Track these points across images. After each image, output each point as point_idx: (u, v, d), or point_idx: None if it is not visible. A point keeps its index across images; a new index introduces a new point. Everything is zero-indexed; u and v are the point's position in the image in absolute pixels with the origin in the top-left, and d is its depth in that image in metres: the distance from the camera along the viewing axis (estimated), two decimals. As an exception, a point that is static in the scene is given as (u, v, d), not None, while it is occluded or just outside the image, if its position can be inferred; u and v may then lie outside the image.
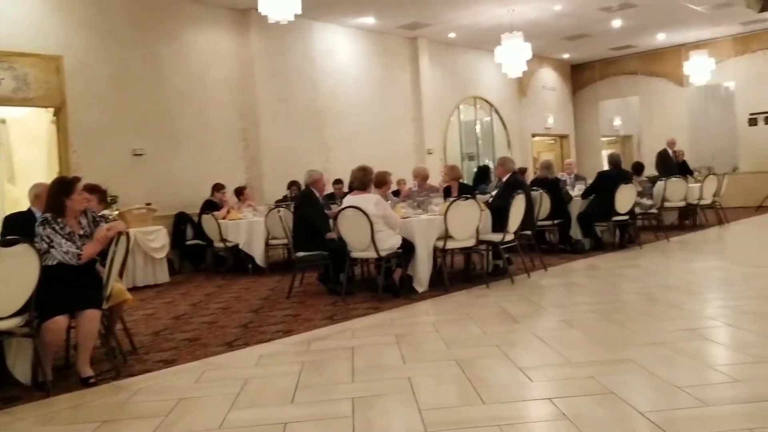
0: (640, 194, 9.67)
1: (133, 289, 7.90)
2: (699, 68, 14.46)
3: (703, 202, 11.51)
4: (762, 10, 13.75)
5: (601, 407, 3.08)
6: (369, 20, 12.42)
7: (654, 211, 10.65)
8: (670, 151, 12.91)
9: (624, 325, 4.73)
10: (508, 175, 7.80)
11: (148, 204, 9.05)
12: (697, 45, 15.62)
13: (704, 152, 16.63)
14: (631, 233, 9.68)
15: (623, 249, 9.18)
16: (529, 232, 7.73)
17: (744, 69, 15.92)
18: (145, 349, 4.97)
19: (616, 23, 13.93)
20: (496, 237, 7.00)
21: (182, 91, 10.30)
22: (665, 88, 17.21)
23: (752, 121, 14.44)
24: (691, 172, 12.79)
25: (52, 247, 4.15)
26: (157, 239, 8.63)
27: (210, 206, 9.48)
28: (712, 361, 3.75)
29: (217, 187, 9.79)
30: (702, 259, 8.01)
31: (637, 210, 9.75)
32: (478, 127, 16.00)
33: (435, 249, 6.75)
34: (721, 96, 16.50)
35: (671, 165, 12.56)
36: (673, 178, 11.19)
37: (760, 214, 13.28)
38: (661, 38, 15.90)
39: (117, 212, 8.13)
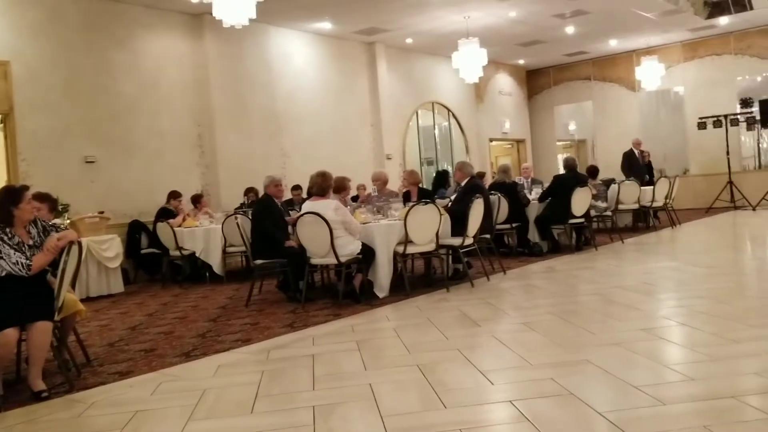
0: (595, 197, 9.84)
1: (86, 300, 7.72)
2: (650, 73, 14.81)
3: (655, 205, 11.78)
4: (709, 16, 14.21)
5: (561, 408, 3.10)
6: (326, 25, 12.39)
7: (609, 213, 10.84)
8: (636, 152, 12.95)
9: (582, 326, 4.79)
10: (466, 180, 7.86)
11: (101, 212, 8.85)
12: (648, 51, 16.00)
13: (656, 155, 16.96)
14: (586, 235, 9.86)
15: (580, 251, 9.32)
16: (488, 236, 7.79)
17: (693, 74, 16.37)
18: (100, 361, 4.84)
19: (570, 30, 14.18)
20: (456, 241, 7.03)
21: (135, 97, 10.11)
22: (618, 93, 17.59)
23: (701, 125, 14.82)
24: (652, 174, 12.96)
25: (1, 258, 4.02)
26: (111, 248, 8.44)
27: (165, 214, 9.32)
28: (667, 361, 3.82)
29: (174, 195, 9.63)
30: (656, 260, 8.18)
31: (593, 213, 9.93)
32: (436, 132, 16.09)
33: (395, 254, 6.75)
34: (671, 100, 16.94)
35: (637, 166, 12.63)
36: (627, 181, 11.43)
37: (710, 216, 13.64)
38: (613, 44, 16.25)
39: (68, 221, 7.92)
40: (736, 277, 6.65)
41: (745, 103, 15.45)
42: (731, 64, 15.80)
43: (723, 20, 14.48)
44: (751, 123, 14.57)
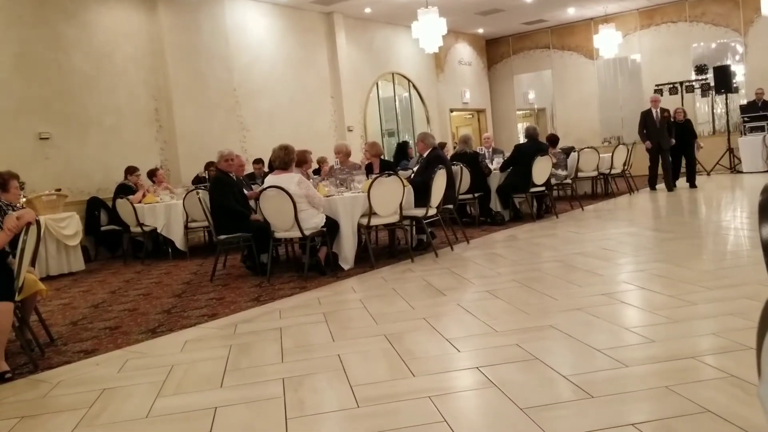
0: (555, 166, 9.96)
1: (46, 279, 7.58)
2: (607, 42, 14.95)
3: (614, 172, 12.00)
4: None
5: (526, 373, 3.18)
6: (283, -5, 12.19)
7: (569, 181, 11.00)
8: (654, 111, 11.94)
9: (545, 292, 4.88)
10: (428, 151, 7.88)
11: (58, 190, 8.66)
12: (606, 19, 16.13)
13: (614, 123, 17.31)
14: (547, 203, 10.00)
15: (541, 219, 9.46)
16: (451, 206, 7.85)
17: (649, 42, 16.59)
18: (64, 340, 4.78)
19: (528, -2, 14.21)
20: (419, 212, 7.07)
21: (89, 72, 9.84)
22: (576, 62, 17.74)
23: (657, 92, 15.05)
24: (682, 136, 12.14)
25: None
26: (70, 226, 8.28)
27: (124, 190, 9.16)
28: (628, 324, 3.92)
29: (130, 170, 9.46)
30: (615, 226, 8.34)
31: (553, 181, 10.06)
32: (397, 103, 16.05)
33: (359, 226, 6.77)
34: (628, 68, 17.16)
35: (654, 128, 11.81)
36: (586, 149, 11.60)
37: (660, 183, 13.90)
38: (572, 12, 16.34)
39: (25, 199, 7.74)
40: (691, 241, 6.83)
41: (700, 69, 15.73)
42: (686, 31, 16.04)
43: (678, -12, 14.65)
44: (705, 89, 14.85)
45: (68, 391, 3.65)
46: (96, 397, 3.45)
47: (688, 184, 12.07)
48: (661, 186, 12.26)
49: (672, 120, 12.02)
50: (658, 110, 11.90)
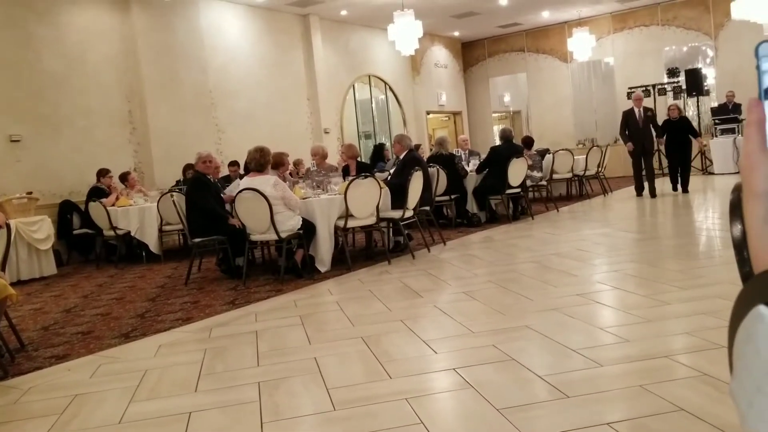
0: (530, 167, 10.04)
1: (17, 284, 7.43)
2: (581, 45, 15.08)
3: (588, 173, 12.11)
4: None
5: (503, 373, 3.18)
6: (259, -3, 12.13)
7: (544, 183, 11.09)
8: (636, 111, 10.98)
9: (521, 293, 4.91)
10: (405, 153, 7.88)
11: (29, 193, 8.51)
12: (579, 22, 16.29)
13: (588, 125, 17.48)
14: (523, 205, 10.07)
15: (517, 220, 9.51)
16: (427, 208, 7.86)
17: (622, 45, 16.78)
18: (35, 346, 4.69)
19: (503, 1, 14.30)
20: (396, 214, 7.07)
21: (61, 73, 9.70)
22: (551, 65, 17.88)
23: (630, 95, 15.21)
24: (694, 134, 11.23)
25: None
26: (41, 229, 8.14)
27: (97, 193, 9.04)
28: (603, 324, 3.95)
29: (102, 173, 9.34)
30: (589, 227, 8.42)
31: (528, 183, 10.13)
32: (373, 105, 16.05)
33: (336, 228, 6.74)
34: (601, 71, 17.34)
35: (635, 128, 10.88)
36: (561, 151, 11.69)
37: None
38: (546, 16, 16.47)
39: (-6, 203, 7.61)
40: (664, 241, 6.91)
41: (672, 72, 15.94)
42: (658, 34, 16.25)
43: (650, -8, 14.85)
44: (677, 92, 15.06)
45: (39, 397, 3.58)
46: (68, 403, 3.39)
47: (681, 188, 11.21)
48: (633, 187, 12.32)
49: (667, 118, 11.24)
50: (641, 109, 11.04)
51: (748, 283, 0.51)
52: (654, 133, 11.07)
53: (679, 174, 11.23)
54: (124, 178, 9.66)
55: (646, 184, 11.13)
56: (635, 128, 10.91)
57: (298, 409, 3.02)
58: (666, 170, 12.00)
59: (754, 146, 0.53)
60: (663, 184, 11.28)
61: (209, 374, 3.66)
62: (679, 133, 11.10)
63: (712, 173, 14.14)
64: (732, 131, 13.85)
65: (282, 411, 3.01)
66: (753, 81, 0.55)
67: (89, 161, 9.73)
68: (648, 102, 14.61)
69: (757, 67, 0.54)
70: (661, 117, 11.91)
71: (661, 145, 11.42)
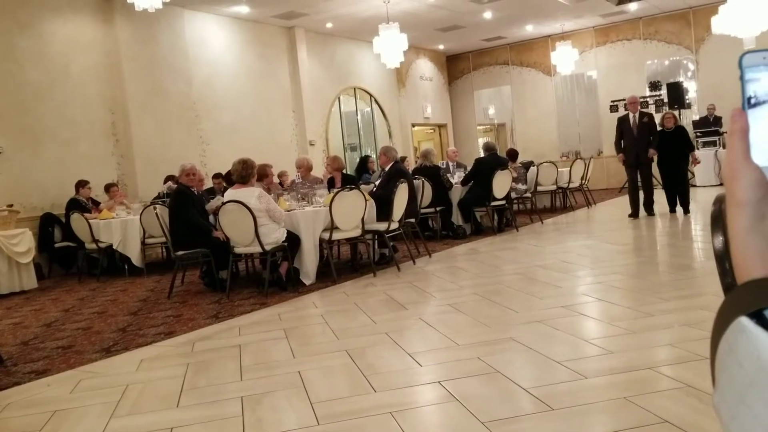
0: (515, 180, 10.07)
1: (-4, 298, 7.35)
2: (564, 58, 15.21)
3: (572, 185, 12.18)
4: (619, 3, 14.72)
5: (488, 386, 3.17)
6: (243, 9, 12.14)
7: (528, 195, 11.13)
8: (632, 116, 9.64)
9: (505, 305, 4.91)
10: (390, 164, 7.89)
11: (10, 206, 8.42)
12: (563, 36, 16.45)
13: (572, 138, 17.60)
14: (508, 217, 10.10)
15: (502, 232, 9.53)
16: (412, 220, 7.86)
17: (605, 59, 16.94)
18: (14, 361, 4.62)
19: (487, 15, 14.40)
20: (381, 226, 7.06)
21: (44, 85, 9.63)
22: (535, 78, 18.02)
23: (613, 108, 15.38)
24: (690, 146, 9.72)
25: None
26: (22, 243, 8.04)
27: (75, 205, 8.95)
28: (587, 336, 3.96)
29: (81, 184, 9.26)
30: (573, 239, 8.45)
31: (513, 195, 10.17)
32: (359, 118, 16.08)
33: (321, 240, 6.72)
34: (585, 84, 17.49)
35: (630, 136, 9.61)
36: (545, 163, 11.76)
37: (623, 195, 14.16)
38: (530, 29, 16.61)
39: (-26, 216, 7.51)
40: (648, 253, 6.95)
41: (654, 86, 16.11)
42: (640, 48, 16.43)
43: (632, 6, 15.03)
44: (659, 105, 15.21)
45: (18, 413, 3.52)
46: (47, 419, 3.33)
47: (682, 209, 9.73)
48: (616, 199, 12.40)
49: (660, 128, 9.68)
50: (637, 115, 9.62)
51: (730, 294, 0.51)
52: (655, 143, 9.59)
53: (678, 193, 9.73)
54: (107, 189, 9.59)
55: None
56: (629, 137, 9.61)
57: (282, 424, 2.98)
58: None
59: (738, 155, 0.53)
60: (657, 203, 10.10)
61: (192, 389, 3.61)
62: (675, 146, 9.54)
63: (694, 185, 14.27)
64: (713, 144, 14.01)
65: (265, 426, 2.97)
66: (734, 94, 0.56)
67: (72, 173, 9.64)
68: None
69: (741, 78, 0.54)
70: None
71: (652, 156, 9.72)
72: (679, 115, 15.03)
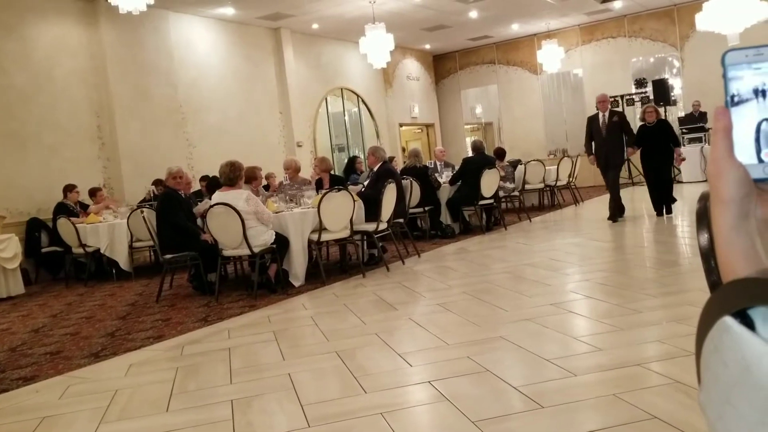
0: (503, 178, 10.10)
1: (-18, 305, 7.29)
2: (550, 57, 15.29)
3: (559, 183, 12.22)
4: (604, 1, 14.78)
5: (478, 385, 3.17)
6: (228, 11, 12.10)
7: (516, 193, 11.16)
8: (601, 115, 9.12)
9: (495, 304, 4.91)
10: (379, 165, 7.89)
11: (-5, 211, 8.36)
12: (548, 35, 16.51)
13: (559, 136, 17.67)
14: (496, 216, 10.12)
15: (490, 231, 9.55)
16: (401, 220, 7.86)
17: (590, 56, 17.02)
18: (1, 367, 4.58)
19: (473, 14, 14.43)
20: (370, 226, 7.06)
21: (28, 88, 9.56)
22: (521, 76, 18.07)
23: (600, 103, 15.40)
24: (674, 141, 8.98)
25: None
26: (8, 248, 7.97)
27: (62, 210, 8.88)
28: (576, 333, 3.97)
29: (69, 188, 9.20)
30: (561, 236, 8.48)
31: (501, 193, 10.19)
32: (346, 118, 16.06)
33: (310, 242, 6.71)
34: (571, 82, 17.57)
35: (599, 137, 9.09)
36: (532, 162, 11.79)
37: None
38: (516, 28, 16.66)
39: (-41, 222, 7.44)
40: (634, 250, 6.98)
41: (640, 83, 16.19)
42: (625, 46, 16.52)
43: (617, 4, 15.12)
44: (645, 102, 15.27)
45: (6, 420, 3.49)
46: (36, 426, 3.30)
47: (664, 208, 9.09)
48: (604, 197, 12.36)
49: (642, 124, 9.14)
50: (606, 114, 9.09)
51: (714, 293, 0.51)
52: (625, 142, 9.17)
53: (661, 192, 9.10)
54: (93, 194, 9.51)
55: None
56: (599, 137, 9.05)
57: (272, 427, 2.97)
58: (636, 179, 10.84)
59: (722, 153, 0.53)
60: (640, 201, 10.30)
61: (181, 393, 3.59)
62: (658, 141, 8.83)
63: (681, 182, 14.36)
64: (699, 140, 14.10)
65: (256, 429, 2.96)
66: (718, 90, 0.56)
67: (58, 178, 9.57)
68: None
69: (724, 75, 0.54)
70: (634, 125, 10.70)
71: (631, 156, 9.47)
72: (665, 112, 15.13)
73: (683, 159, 9.76)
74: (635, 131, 9.22)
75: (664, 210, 9.10)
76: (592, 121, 9.22)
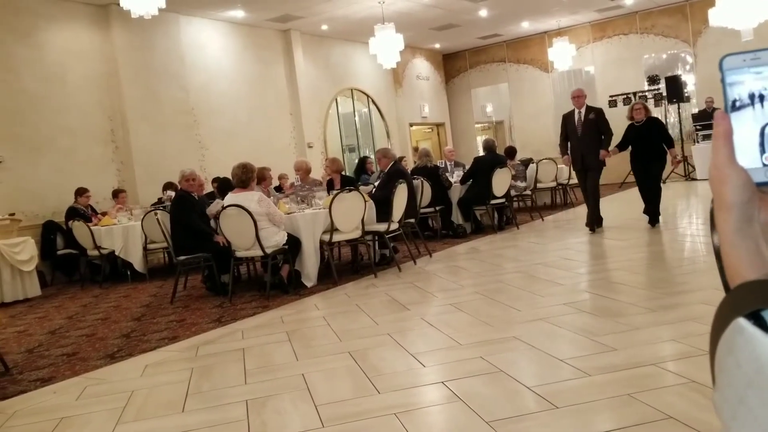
0: (514, 177, 10.08)
1: (0, 306, 7.36)
2: (561, 54, 15.22)
3: (572, 182, 12.17)
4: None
5: (491, 386, 3.17)
6: (238, 13, 12.15)
7: (528, 192, 11.13)
8: (577, 112, 8.36)
9: (508, 304, 4.91)
10: (389, 165, 7.90)
11: (11, 214, 8.43)
12: (559, 32, 16.45)
13: (570, 134, 17.56)
14: (508, 215, 10.10)
15: (502, 230, 9.53)
16: (412, 220, 7.87)
17: (602, 53, 16.94)
18: (19, 369, 4.63)
19: (483, 13, 14.40)
20: (381, 227, 7.07)
21: (41, 93, 9.64)
22: (532, 74, 18.02)
23: (612, 103, 15.36)
24: (667, 141, 8.04)
25: None
26: (25, 251, 8.04)
27: (74, 214, 8.96)
28: (590, 333, 3.96)
29: (80, 192, 9.29)
30: (574, 235, 8.44)
31: (513, 192, 10.17)
32: (356, 119, 16.08)
33: (321, 243, 6.72)
34: (582, 80, 17.47)
35: (574, 135, 8.30)
36: (544, 160, 11.75)
37: (624, 191, 14.18)
38: (526, 26, 16.61)
39: (-25, 225, 7.52)
40: (648, 249, 6.95)
41: (652, 80, 16.09)
42: (637, 43, 16.43)
43: (628, 1, 15.04)
44: (658, 99, 15.21)
45: (24, 421, 3.53)
46: (54, 427, 3.34)
47: (647, 217, 8.23)
48: (616, 195, 12.34)
49: (630, 123, 8.28)
50: (583, 111, 8.27)
51: (727, 295, 0.52)
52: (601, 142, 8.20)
53: (647, 198, 8.22)
54: (116, 195, 9.76)
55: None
56: (573, 136, 8.26)
57: (287, 427, 2.99)
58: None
59: (723, 158, 0.54)
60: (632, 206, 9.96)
61: (196, 393, 3.62)
62: (648, 141, 7.99)
63: (695, 179, 14.28)
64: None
65: (270, 429, 2.98)
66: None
67: (72, 181, 9.64)
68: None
69: (722, 81, 0.55)
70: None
71: (605, 158, 8.26)
72: (678, 108, 15.02)
73: (679, 161, 8.88)
74: (625, 130, 8.33)
75: (651, 220, 8.19)
76: (567, 118, 8.37)
